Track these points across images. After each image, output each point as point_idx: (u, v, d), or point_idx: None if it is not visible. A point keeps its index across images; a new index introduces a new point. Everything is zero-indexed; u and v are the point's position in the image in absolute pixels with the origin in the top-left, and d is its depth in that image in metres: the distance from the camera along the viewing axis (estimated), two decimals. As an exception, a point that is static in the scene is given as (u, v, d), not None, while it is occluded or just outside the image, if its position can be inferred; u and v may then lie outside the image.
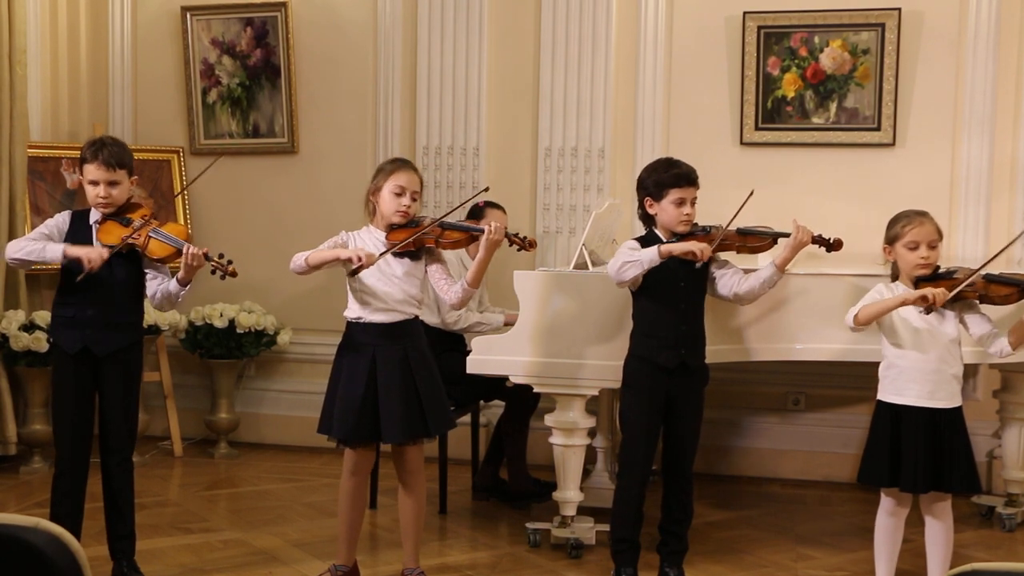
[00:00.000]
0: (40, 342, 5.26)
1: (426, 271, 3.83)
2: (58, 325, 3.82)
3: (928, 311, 3.55)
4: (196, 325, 5.95)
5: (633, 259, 3.77)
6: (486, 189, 4.31)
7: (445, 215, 3.87)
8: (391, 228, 3.78)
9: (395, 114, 5.98)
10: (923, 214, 3.74)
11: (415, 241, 3.73)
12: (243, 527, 4.70)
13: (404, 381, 3.73)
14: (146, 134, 6.37)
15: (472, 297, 3.93)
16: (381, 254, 3.69)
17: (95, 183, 3.75)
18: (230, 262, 3.69)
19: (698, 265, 3.75)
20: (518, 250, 3.79)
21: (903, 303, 3.60)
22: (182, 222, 6.02)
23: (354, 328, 3.80)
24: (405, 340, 3.77)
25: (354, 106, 6.09)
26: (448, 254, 4.07)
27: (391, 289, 3.74)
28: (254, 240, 6.12)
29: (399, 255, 3.76)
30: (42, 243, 3.71)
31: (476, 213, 5.02)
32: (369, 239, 3.80)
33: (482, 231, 3.71)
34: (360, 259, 3.62)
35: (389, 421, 3.71)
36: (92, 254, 3.65)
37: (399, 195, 3.76)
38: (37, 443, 5.56)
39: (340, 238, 3.82)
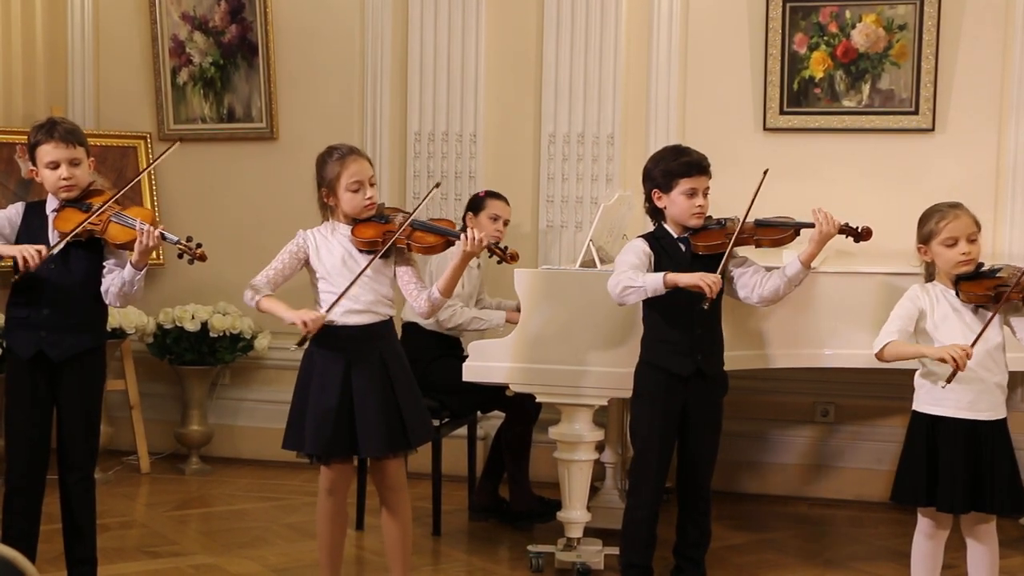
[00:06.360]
0: (-7, 347, 5.27)
1: (395, 272, 3.82)
2: (11, 327, 3.81)
3: (951, 377, 3.52)
4: (165, 328, 5.95)
5: (636, 285, 3.76)
6: (437, 185, 4.15)
7: (414, 211, 3.82)
8: (356, 222, 3.78)
9: (384, 97, 5.98)
10: (957, 206, 3.72)
11: (384, 242, 3.71)
12: (216, 551, 4.69)
13: (383, 388, 3.73)
14: (110, 118, 6.37)
15: (441, 308, 3.92)
16: (329, 308, 3.66)
17: (55, 164, 3.73)
18: (199, 245, 3.67)
19: (706, 305, 3.70)
20: (498, 262, 3.76)
21: (934, 356, 3.57)
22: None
23: (324, 332, 3.76)
24: (381, 343, 3.78)
25: (339, 88, 6.08)
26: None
27: (361, 290, 3.73)
28: (229, 234, 6.11)
29: (366, 251, 3.75)
30: None
31: (476, 204, 5.03)
32: (333, 238, 3.79)
33: (458, 236, 3.70)
34: (306, 325, 3.61)
35: (367, 433, 3.71)
36: (28, 251, 3.58)
37: (357, 191, 3.76)
38: (-11, 458, 5.57)
39: (298, 240, 3.81)
